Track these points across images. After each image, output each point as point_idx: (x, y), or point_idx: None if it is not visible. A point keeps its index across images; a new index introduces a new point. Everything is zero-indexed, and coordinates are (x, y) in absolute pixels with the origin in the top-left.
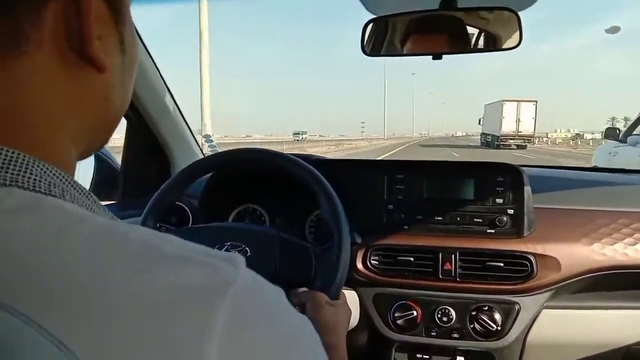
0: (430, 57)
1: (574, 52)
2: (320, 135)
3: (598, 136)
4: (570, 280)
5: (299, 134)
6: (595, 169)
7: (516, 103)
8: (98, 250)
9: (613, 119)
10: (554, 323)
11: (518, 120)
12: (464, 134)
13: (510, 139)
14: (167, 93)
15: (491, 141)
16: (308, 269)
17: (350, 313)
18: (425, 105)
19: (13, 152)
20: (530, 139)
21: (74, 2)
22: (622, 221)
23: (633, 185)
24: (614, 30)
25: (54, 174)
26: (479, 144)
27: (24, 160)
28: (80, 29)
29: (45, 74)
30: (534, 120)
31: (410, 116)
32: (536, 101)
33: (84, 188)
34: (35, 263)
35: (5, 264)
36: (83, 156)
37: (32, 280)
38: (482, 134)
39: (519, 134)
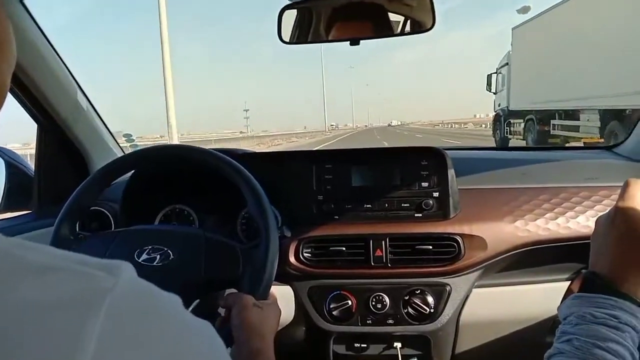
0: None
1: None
2: (242, 132)
3: None
4: (497, 258)
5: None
6: (513, 148)
7: None
8: None
9: None
10: (484, 301)
11: None
12: (399, 122)
13: None
14: (79, 91)
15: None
16: (235, 269)
17: (279, 313)
18: (340, 90)
19: None
20: None
21: None
22: (542, 197)
23: (551, 162)
24: (525, 10)
25: None
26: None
27: None
28: None
29: None
30: None
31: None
32: None
33: None
34: None
35: None
36: None
37: None
38: (506, 113)
39: None
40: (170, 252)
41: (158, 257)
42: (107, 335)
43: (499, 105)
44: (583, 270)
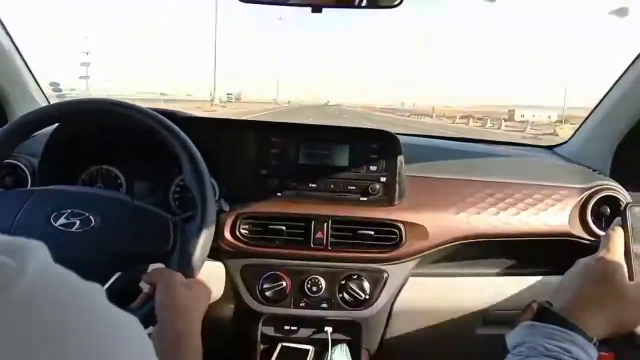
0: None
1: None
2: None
3: None
4: (436, 248)
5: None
6: (464, 139)
7: None
8: None
9: None
10: (419, 290)
11: None
12: (336, 103)
13: None
14: (2, 29)
15: None
16: (164, 242)
17: (209, 294)
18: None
19: None
20: None
21: None
22: (487, 191)
23: (498, 157)
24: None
25: None
26: None
27: None
28: None
29: None
30: None
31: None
32: None
33: None
34: None
35: None
36: None
37: None
38: None
39: None
40: (92, 219)
41: (78, 222)
42: (11, 331)
43: None
44: (536, 300)
